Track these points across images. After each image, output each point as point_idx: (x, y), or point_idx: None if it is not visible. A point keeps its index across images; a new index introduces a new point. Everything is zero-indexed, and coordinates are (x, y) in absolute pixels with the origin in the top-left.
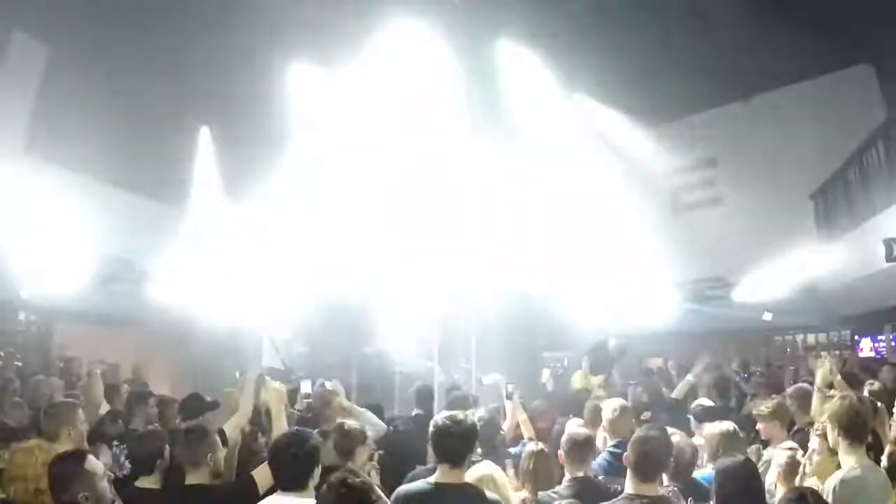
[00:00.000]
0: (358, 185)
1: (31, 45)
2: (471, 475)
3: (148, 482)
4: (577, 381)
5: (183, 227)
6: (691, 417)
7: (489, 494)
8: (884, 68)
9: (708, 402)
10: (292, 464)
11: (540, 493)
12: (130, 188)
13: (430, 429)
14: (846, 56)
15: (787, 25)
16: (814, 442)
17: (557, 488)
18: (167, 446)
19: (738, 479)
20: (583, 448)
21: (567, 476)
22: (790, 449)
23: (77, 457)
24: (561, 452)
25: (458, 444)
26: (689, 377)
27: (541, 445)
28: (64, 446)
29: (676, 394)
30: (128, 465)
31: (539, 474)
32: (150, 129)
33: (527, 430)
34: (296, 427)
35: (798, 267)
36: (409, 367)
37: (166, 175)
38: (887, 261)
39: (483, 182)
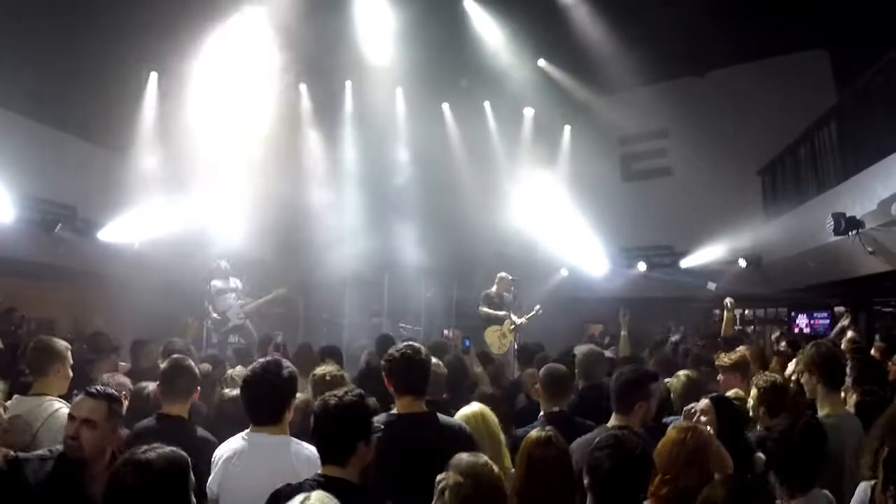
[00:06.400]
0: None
1: None
2: (461, 414)
3: None
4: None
5: (129, 173)
6: None
7: (445, 418)
8: (837, 53)
9: None
10: (266, 395)
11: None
12: (73, 132)
13: (385, 361)
14: (802, 39)
15: (747, 7)
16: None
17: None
18: None
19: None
20: (560, 383)
21: (542, 412)
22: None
23: None
24: (538, 387)
25: (417, 373)
26: (623, 332)
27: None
28: (52, 385)
29: (622, 351)
30: None
31: None
32: (92, 71)
33: (482, 382)
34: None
35: (744, 239)
36: (355, 319)
37: (110, 119)
38: (835, 234)
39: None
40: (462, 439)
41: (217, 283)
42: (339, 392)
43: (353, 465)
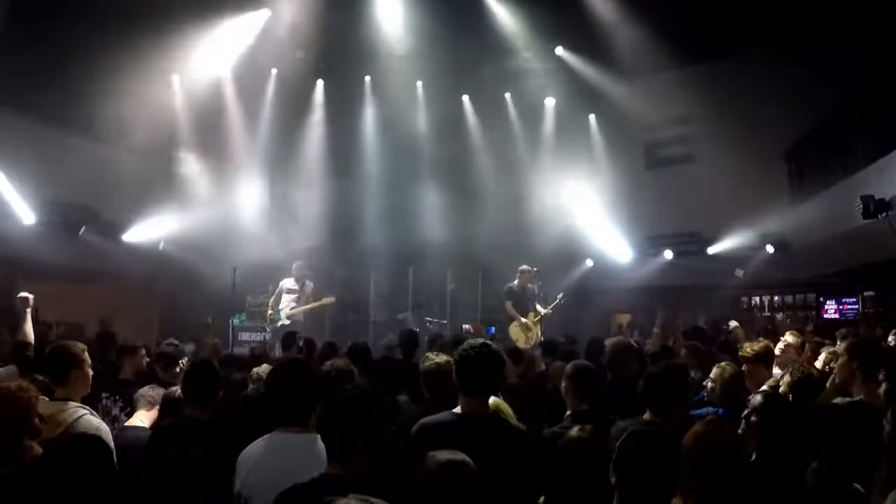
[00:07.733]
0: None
1: None
2: None
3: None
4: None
5: (151, 174)
6: None
7: (510, 423)
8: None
9: None
10: (292, 395)
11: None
12: (91, 136)
13: (458, 357)
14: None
15: None
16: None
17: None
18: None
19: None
20: (589, 381)
21: (568, 411)
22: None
23: None
24: (565, 384)
25: (487, 372)
26: (656, 329)
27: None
28: (72, 391)
29: (651, 347)
30: (124, 416)
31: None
32: (112, 75)
33: (509, 373)
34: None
35: (771, 225)
36: (381, 317)
37: (130, 122)
38: (864, 217)
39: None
40: (522, 444)
41: (287, 284)
42: (349, 387)
43: (352, 462)
